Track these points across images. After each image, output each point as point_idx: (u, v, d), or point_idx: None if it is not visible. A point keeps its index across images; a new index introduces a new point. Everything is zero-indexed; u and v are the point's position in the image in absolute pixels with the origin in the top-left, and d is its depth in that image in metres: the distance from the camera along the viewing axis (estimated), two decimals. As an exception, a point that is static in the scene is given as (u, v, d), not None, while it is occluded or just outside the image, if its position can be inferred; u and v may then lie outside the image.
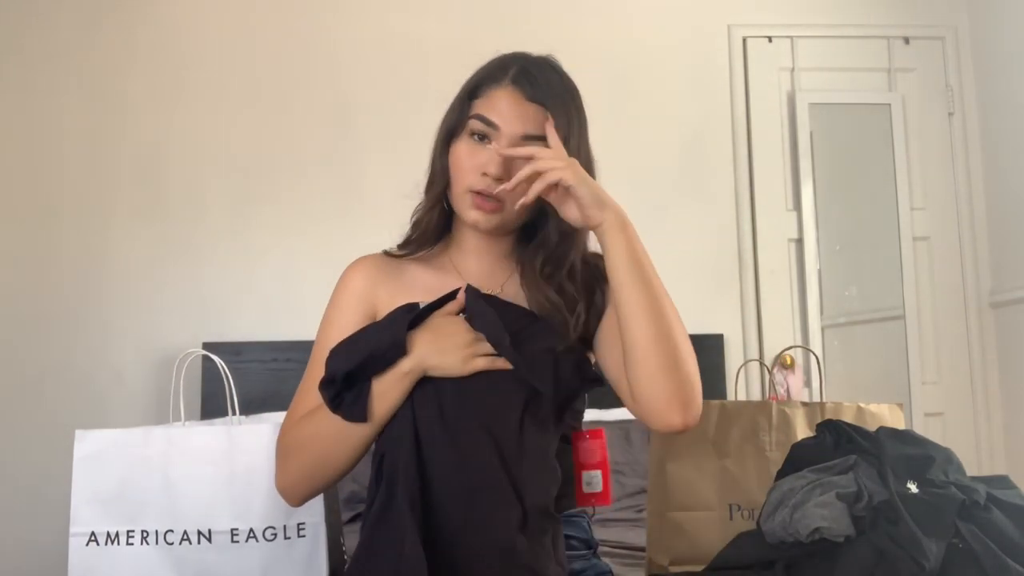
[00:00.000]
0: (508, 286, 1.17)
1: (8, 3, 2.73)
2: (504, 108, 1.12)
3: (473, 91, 1.16)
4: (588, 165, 1.15)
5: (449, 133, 1.17)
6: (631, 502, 2.27)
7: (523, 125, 1.11)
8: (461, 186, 1.13)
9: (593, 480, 1.22)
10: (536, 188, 1.05)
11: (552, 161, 1.05)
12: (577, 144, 1.14)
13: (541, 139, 1.11)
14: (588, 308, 1.12)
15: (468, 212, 1.13)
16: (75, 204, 2.70)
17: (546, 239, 1.14)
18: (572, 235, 1.14)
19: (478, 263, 1.19)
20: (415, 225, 1.21)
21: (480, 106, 1.13)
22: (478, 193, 1.11)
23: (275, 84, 2.80)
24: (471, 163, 1.12)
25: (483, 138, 1.12)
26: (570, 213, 1.08)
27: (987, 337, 2.93)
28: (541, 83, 1.13)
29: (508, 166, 1.10)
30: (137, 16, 2.79)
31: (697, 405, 1.05)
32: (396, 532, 0.98)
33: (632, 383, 1.05)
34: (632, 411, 1.09)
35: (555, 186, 1.06)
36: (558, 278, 1.13)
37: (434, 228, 1.19)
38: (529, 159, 1.07)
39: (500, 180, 1.10)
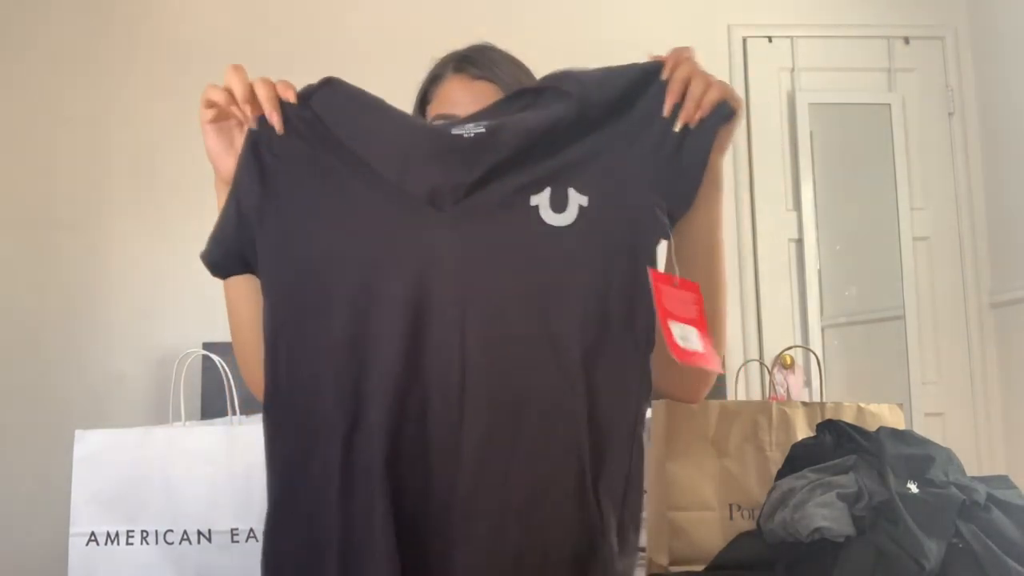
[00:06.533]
0: None
1: (7, 2, 2.73)
2: (456, 97, 1.12)
3: (423, 99, 1.17)
4: None
5: None
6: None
7: (481, 105, 1.10)
8: None
9: (690, 336, 0.85)
10: (709, 103, 0.86)
11: (708, 77, 0.87)
12: None
13: None
14: None
15: None
16: (74, 204, 2.70)
17: None
18: None
19: None
20: None
21: (435, 108, 1.14)
22: None
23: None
24: None
25: None
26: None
27: (987, 337, 2.93)
28: (482, 61, 1.14)
29: None
30: (136, 15, 2.79)
31: (711, 383, 1.06)
32: None
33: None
34: None
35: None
36: None
37: None
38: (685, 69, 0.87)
39: None
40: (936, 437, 1.41)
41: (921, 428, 2.74)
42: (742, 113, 0.90)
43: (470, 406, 0.83)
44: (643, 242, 0.86)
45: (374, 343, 0.84)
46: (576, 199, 0.86)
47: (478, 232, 0.85)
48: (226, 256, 0.93)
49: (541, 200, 0.86)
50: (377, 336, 0.84)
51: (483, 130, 0.87)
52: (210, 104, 0.93)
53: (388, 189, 0.87)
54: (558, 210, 0.86)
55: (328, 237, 0.87)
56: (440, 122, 1.08)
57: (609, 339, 0.85)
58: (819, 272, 2.93)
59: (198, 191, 2.71)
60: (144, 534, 1.31)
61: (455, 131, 0.88)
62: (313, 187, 0.89)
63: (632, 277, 0.86)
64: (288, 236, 0.88)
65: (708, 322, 0.91)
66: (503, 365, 0.83)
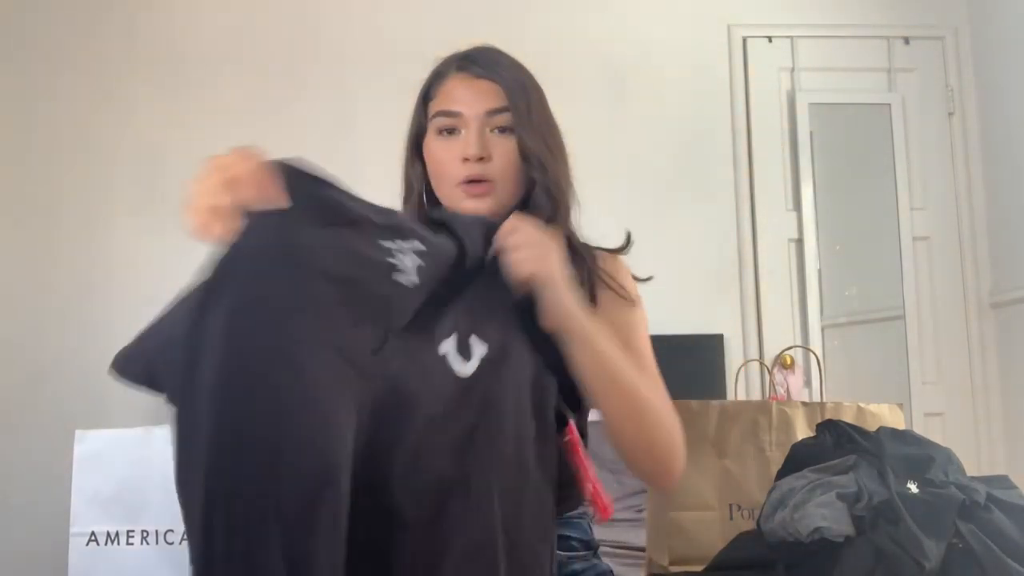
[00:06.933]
0: None
1: (8, 2, 2.73)
2: (459, 94, 1.14)
3: (426, 95, 1.18)
4: (551, 135, 1.16)
5: (415, 142, 1.19)
6: (631, 502, 2.27)
7: (483, 102, 1.12)
8: (448, 183, 1.13)
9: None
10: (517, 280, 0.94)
11: (529, 248, 0.95)
12: (539, 113, 1.15)
13: (504, 111, 1.12)
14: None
15: (464, 205, 1.12)
16: (75, 203, 2.70)
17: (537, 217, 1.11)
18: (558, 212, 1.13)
19: None
20: None
21: (437, 104, 1.16)
22: (466, 182, 1.11)
23: (275, 83, 2.80)
24: (448, 156, 1.13)
25: (451, 132, 1.13)
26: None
27: (987, 337, 2.93)
28: (485, 61, 1.16)
29: (485, 143, 1.11)
30: (137, 15, 2.79)
31: (679, 468, 1.05)
32: None
33: (618, 455, 1.06)
34: None
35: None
36: None
37: None
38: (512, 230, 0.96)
39: (482, 160, 1.10)
40: (936, 437, 1.42)
41: (921, 428, 2.74)
42: (550, 286, 0.94)
43: (400, 555, 0.84)
44: (541, 391, 0.92)
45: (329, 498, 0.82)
46: (479, 349, 0.89)
47: (402, 380, 0.85)
48: (140, 363, 0.89)
49: (448, 348, 0.88)
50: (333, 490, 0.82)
51: (417, 278, 0.86)
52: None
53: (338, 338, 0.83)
54: (464, 357, 0.88)
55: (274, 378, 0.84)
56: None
57: (525, 482, 0.89)
58: (819, 272, 2.93)
59: (198, 191, 2.73)
60: (144, 534, 1.31)
61: (396, 275, 0.85)
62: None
63: (533, 423, 0.90)
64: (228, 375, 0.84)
65: (640, 437, 1.01)
66: (428, 510, 0.85)
